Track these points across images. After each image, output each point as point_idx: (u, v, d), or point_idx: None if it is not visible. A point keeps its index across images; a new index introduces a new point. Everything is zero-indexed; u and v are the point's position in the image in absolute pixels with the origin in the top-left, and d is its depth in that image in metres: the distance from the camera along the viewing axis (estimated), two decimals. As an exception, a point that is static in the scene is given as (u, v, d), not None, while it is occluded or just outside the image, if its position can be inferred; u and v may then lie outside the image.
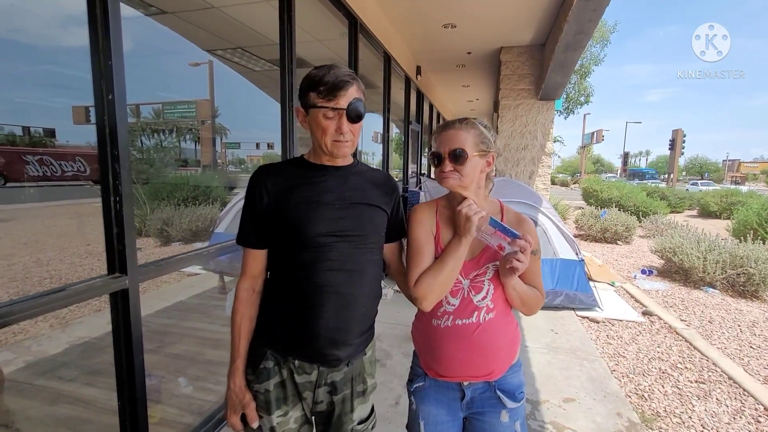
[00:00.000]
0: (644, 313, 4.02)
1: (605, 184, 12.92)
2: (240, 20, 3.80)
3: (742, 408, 2.49)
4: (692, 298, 4.54)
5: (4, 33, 2.70)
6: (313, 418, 1.13)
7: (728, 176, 54.90)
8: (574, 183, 37.54)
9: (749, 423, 2.34)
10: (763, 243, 5.30)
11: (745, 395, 2.63)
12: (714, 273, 4.80)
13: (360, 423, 1.12)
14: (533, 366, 2.86)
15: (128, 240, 1.39)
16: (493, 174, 1.18)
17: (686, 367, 2.98)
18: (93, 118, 1.34)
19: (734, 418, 2.39)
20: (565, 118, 20.64)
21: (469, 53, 6.05)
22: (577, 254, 4.03)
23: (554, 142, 6.13)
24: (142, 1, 3.19)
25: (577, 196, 17.17)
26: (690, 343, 3.36)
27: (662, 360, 3.08)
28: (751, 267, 4.55)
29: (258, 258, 1.08)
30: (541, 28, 4.96)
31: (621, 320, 3.81)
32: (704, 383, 2.77)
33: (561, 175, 49.35)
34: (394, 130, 6.51)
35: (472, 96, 9.95)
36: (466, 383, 1.11)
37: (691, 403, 2.53)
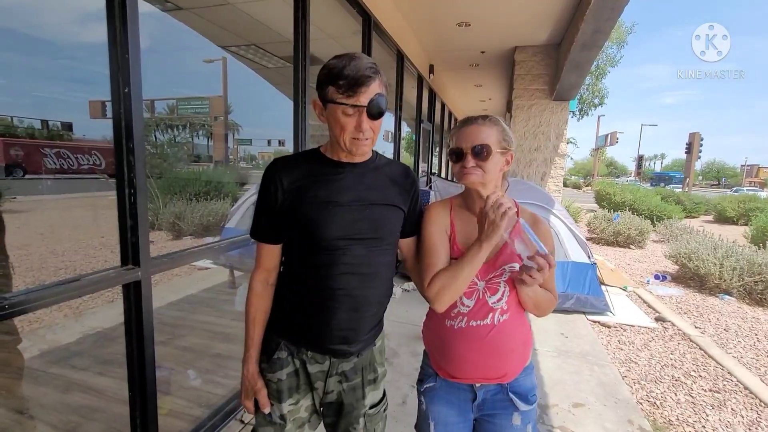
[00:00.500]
0: (657, 319, 3.95)
1: (618, 188, 12.70)
2: (254, 17, 3.82)
3: (759, 419, 2.43)
4: (707, 305, 4.44)
5: (26, 29, 2.75)
6: (321, 409, 1.14)
7: (746, 181, 53.56)
8: (586, 185, 36.99)
9: (766, 434, 2.28)
10: (783, 250, 5.15)
11: (761, 406, 2.56)
12: (731, 280, 4.68)
13: (372, 407, 1.12)
14: (542, 369, 2.82)
15: (142, 232, 1.40)
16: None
17: (700, 375, 2.92)
18: (109, 113, 1.35)
19: (750, 429, 2.33)
20: (579, 119, 20.35)
21: (482, 52, 5.99)
22: (589, 257, 3.97)
23: (567, 143, 6.04)
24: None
25: (590, 199, 16.94)
26: (704, 351, 3.29)
27: (675, 367, 3.02)
28: (769, 275, 4.44)
29: (272, 252, 1.07)
30: (557, 27, 4.89)
31: (633, 325, 3.75)
32: (719, 392, 2.70)
33: (573, 177, 48.58)
34: (405, 129, 6.48)
35: (485, 96, 9.87)
36: (478, 385, 1.10)
37: (704, 412, 2.48)
